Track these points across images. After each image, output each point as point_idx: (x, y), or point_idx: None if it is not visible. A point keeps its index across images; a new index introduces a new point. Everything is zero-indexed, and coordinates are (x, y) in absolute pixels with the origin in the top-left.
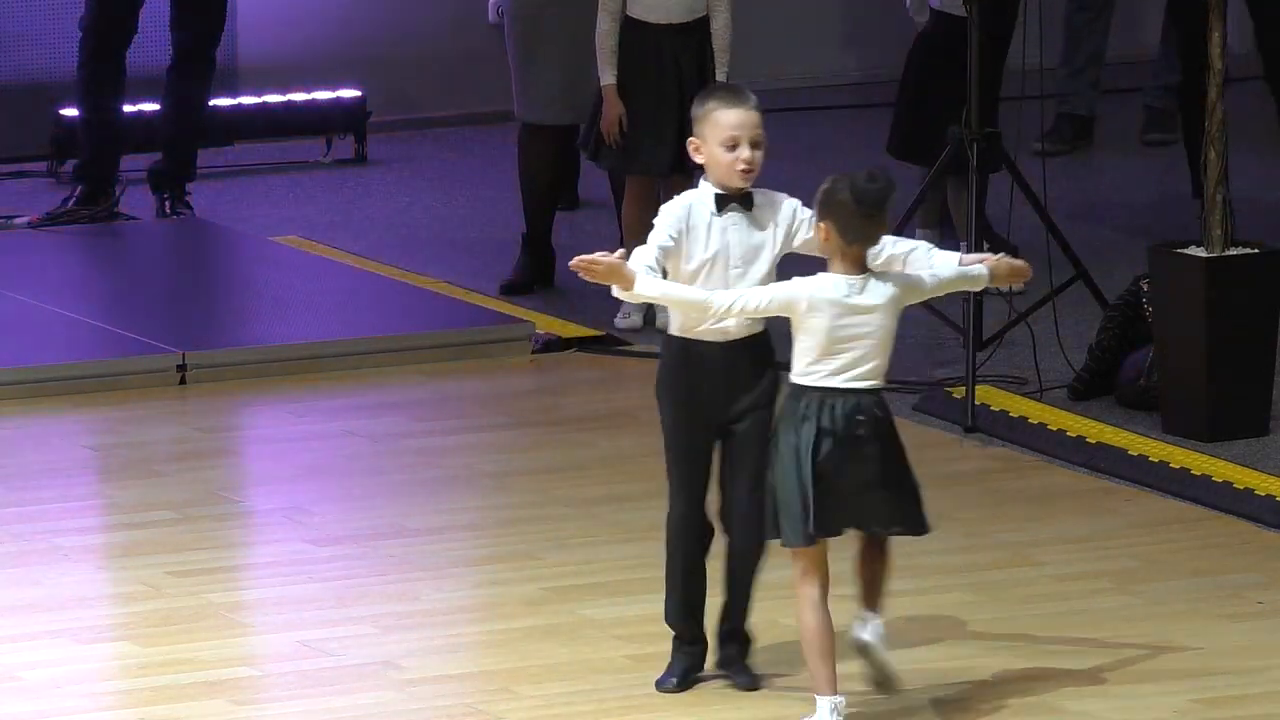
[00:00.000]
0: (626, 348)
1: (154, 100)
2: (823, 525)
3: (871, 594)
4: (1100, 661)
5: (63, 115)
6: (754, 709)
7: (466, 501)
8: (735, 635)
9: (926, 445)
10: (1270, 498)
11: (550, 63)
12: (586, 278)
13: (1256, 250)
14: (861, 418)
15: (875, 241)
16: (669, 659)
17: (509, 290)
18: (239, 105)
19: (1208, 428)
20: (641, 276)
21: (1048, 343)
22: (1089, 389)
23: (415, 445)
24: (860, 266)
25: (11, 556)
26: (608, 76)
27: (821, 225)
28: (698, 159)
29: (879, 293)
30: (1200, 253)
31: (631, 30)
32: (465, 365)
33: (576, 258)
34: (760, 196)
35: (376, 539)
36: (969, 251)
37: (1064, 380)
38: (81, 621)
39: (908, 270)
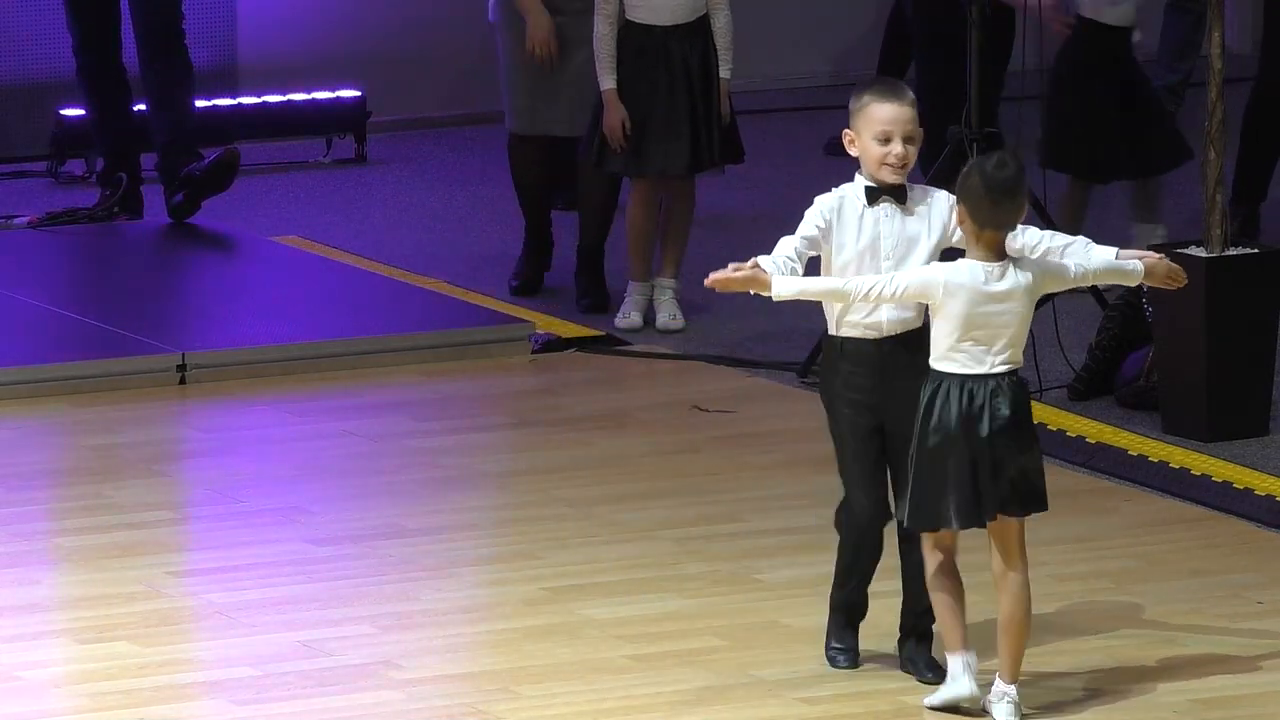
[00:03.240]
0: (626, 348)
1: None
2: (965, 514)
3: (1008, 657)
4: (1100, 661)
5: (63, 115)
6: (755, 710)
7: (466, 501)
8: (918, 629)
9: None
10: (1270, 498)
11: (534, 72)
12: (724, 290)
13: (1256, 250)
14: (1000, 401)
15: (1009, 228)
16: (838, 631)
17: (521, 291)
18: (239, 105)
19: (1208, 428)
20: (777, 278)
21: (1047, 343)
22: (1089, 389)
23: (415, 445)
24: (997, 253)
25: (11, 556)
26: (608, 81)
27: (959, 209)
28: (852, 151)
29: (1016, 280)
30: (1200, 253)
31: (637, 34)
32: (465, 365)
33: (712, 275)
34: (916, 191)
35: (376, 539)
36: None
37: (1064, 380)
38: (81, 621)
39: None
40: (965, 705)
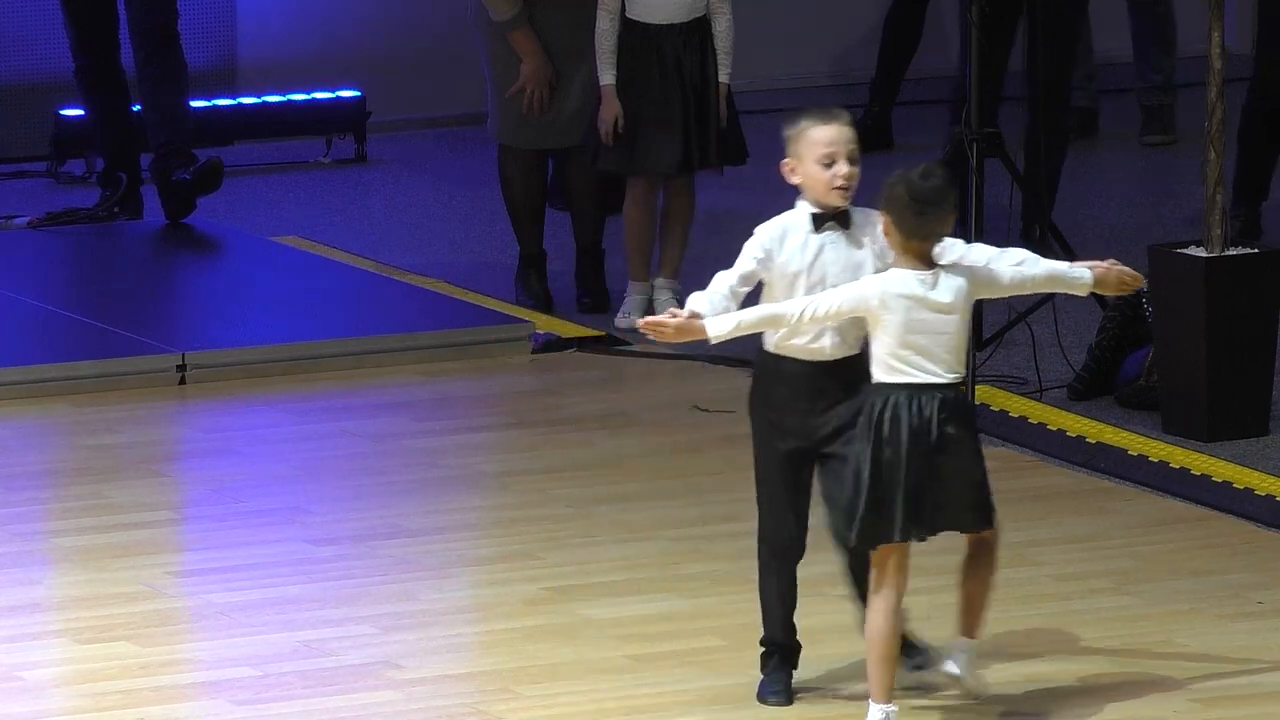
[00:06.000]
0: (626, 348)
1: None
2: (913, 524)
3: (968, 615)
4: (1100, 662)
5: (63, 115)
6: (755, 710)
7: (466, 501)
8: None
9: None
10: (1270, 498)
11: (522, 97)
12: (657, 339)
13: (1256, 250)
14: (945, 414)
15: (936, 239)
16: (769, 673)
17: (548, 310)
18: (239, 105)
19: (1208, 428)
20: (710, 323)
21: (1047, 343)
22: (1089, 389)
23: (415, 445)
24: (926, 262)
25: (11, 556)
26: (606, 76)
27: (885, 220)
28: (793, 180)
29: (951, 288)
30: (1200, 253)
31: (632, 32)
32: (465, 365)
33: (643, 320)
34: (858, 215)
35: (376, 539)
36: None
37: (1064, 380)
38: (81, 621)
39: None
40: None
